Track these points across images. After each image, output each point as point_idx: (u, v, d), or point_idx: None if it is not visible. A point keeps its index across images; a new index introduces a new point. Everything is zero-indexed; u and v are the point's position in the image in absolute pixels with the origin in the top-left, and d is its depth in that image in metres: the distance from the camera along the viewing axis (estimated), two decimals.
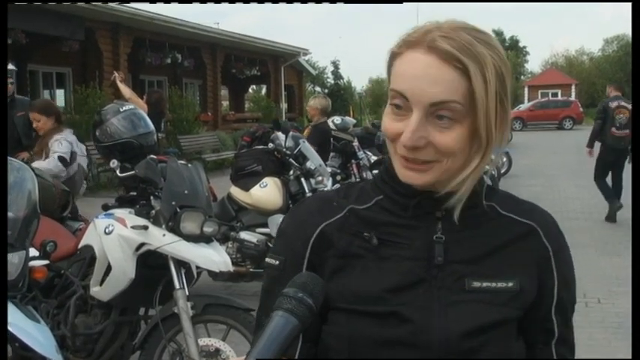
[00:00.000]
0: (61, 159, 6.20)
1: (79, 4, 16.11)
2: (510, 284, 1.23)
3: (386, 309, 1.22)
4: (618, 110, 10.48)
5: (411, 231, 1.26)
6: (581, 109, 43.65)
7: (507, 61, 1.22)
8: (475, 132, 1.18)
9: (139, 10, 18.69)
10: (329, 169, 7.90)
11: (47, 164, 6.13)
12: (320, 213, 1.31)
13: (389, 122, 1.21)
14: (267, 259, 1.35)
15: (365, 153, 9.95)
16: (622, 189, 10.64)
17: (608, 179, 10.88)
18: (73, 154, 6.43)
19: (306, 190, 6.76)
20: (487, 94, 1.15)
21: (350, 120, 10.56)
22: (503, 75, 1.19)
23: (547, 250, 1.29)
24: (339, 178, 9.31)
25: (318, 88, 52.61)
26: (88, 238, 4.16)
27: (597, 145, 10.90)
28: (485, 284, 1.23)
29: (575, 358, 1.37)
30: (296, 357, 1.28)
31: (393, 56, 1.21)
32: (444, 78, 1.14)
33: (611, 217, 10.56)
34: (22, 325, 3.27)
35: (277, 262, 1.32)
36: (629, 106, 10.34)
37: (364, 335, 1.22)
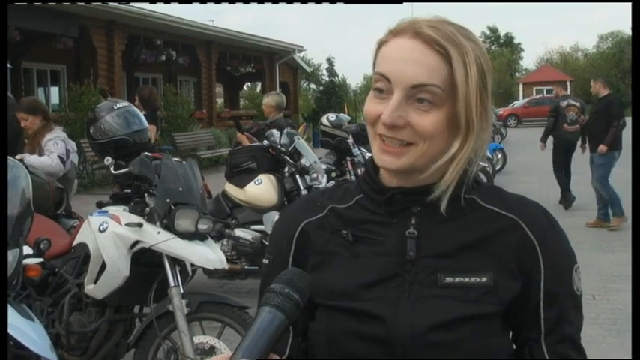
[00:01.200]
0: (61, 159, 6.19)
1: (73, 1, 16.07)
2: (484, 279, 1.22)
3: (358, 305, 1.23)
4: (568, 108, 11.68)
5: (385, 227, 1.27)
6: None
7: (489, 59, 1.24)
8: (453, 120, 1.20)
9: (134, 7, 18.64)
10: (324, 166, 7.89)
11: (48, 161, 6.11)
12: (304, 212, 1.36)
13: (370, 105, 1.24)
14: (263, 259, 1.40)
15: (360, 150, 9.94)
16: (571, 175, 11.97)
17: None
18: (67, 153, 6.42)
19: (301, 188, 6.76)
20: (467, 81, 1.18)
21: (344, 117, 10.56)
22: (484, 70, 1.21)
23: (531, 242, 1.25)
24: (333, 175, 9.32)
25: (313, 85, 52.53)
26: (82, 236, 4.16)
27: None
28: (458, 279, 1.22)
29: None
30: (287, 351, 1.31)
31: (380, 45, 1.25)
32: (426, 61, 1.18)
33: (566, 204, 11.75)
34: (16, 323, 3.26)
35: (267, 261, 1.37)
36: (577, 104, 11.76)
37: (339, 330, 1.24)
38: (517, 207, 1.29)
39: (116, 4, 17.71)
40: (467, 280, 1.22)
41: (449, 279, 1.22)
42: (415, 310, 1.21)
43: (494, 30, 75.93)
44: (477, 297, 1.21)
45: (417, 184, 1.25)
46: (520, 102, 47.21)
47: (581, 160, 11.51)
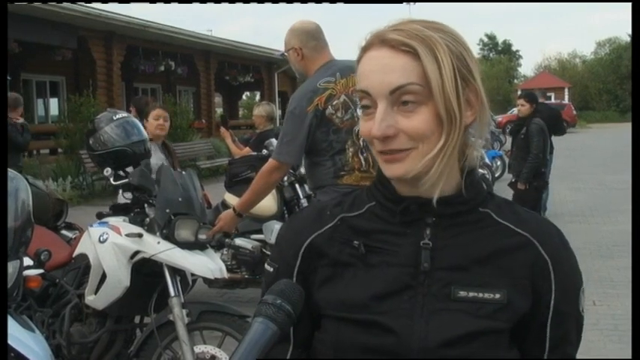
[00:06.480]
0: None
1: (72, 12, 16.11)
2: (498, 296, 1.20)
3: (369, 317, 1.21)
4: None
5: (399, 237, 1.25)
6: (574, 112, 43.75)
7: (467, 44, 1.23)
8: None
9: (132, 18, 18.71)
10: None
11: None
12: (313, 223, 1.33)
13: (363, 125, 1.22)
14: (265, 265, 1.38)
15: None
16: None
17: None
18: None
19: (301, 196, 6.76)
20: (441, 72, 1.16)
21: None
22: (462, 55, 1.20)
23: (545, 262, 1.25)
24: None
25: None
26: (82, 247, 4.16)
27: None
28: (471, 294, 1.20)
29: None
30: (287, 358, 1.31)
31: (357, 63, 1.24)
32: (397, 64, 1.17)
33: None
34: (17, 334, 3.26)
35: (272, 270, 1.35)
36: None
37: (348, 342, 1.23)
38: (531, 225, 1.27)
39: (114, 15, 17.75)
40: (480, 295, 1.20)
41: (462, 293, 1.20)
42: (429, 324, 1.19)
43: (492, 37, 76.12)
44: (490, 313, 1.20)
45: (431, 195, 1.21)
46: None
47: (581, 167, 11.52)
